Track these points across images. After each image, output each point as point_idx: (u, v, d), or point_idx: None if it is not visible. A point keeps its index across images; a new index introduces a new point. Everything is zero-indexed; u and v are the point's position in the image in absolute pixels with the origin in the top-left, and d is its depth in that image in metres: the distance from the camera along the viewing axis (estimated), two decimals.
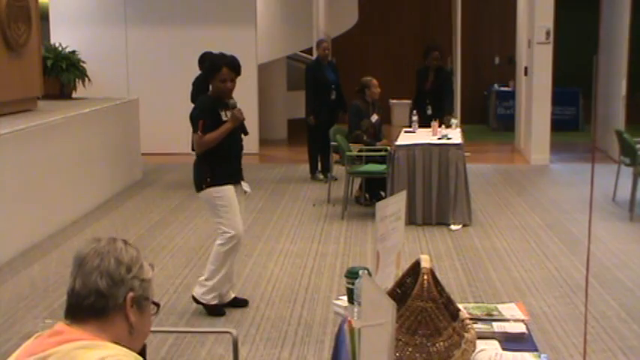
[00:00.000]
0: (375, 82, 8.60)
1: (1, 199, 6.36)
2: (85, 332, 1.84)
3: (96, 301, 1.86)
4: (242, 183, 5.20)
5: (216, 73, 4.99)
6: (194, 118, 5.03)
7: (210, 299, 5.15)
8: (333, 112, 9.76)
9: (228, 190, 5.05)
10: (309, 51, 13.37)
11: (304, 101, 9.95)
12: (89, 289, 1.86)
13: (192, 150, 5.30)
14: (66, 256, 6.53)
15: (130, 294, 1.89)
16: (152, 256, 6.49)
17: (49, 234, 7.11)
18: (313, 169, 9.99)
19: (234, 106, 5.05)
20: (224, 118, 5.02)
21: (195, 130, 4.99)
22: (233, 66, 5.02)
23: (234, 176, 5.14)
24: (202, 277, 5.19)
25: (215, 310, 5.16)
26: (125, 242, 1.98)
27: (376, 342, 2.12)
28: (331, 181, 8.81)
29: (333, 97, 9.71)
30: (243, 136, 5.26)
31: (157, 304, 2.02)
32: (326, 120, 9.56)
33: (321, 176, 9.86)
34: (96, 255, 1.89)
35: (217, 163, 5.04)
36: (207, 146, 4.98)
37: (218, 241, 5.11)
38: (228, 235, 5.05)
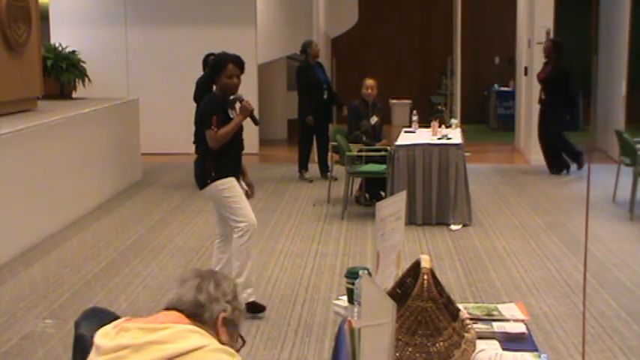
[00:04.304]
0: (369, 82, 8.59)
1: (1, 199, 6.35)
2: (191, 324, 2.06)
3: (193, 308, 2.09)
4: (241, 181, 5.23)
5: (222, 69, 5.03)
6: (206, 114, 5.02)
7: (247, 297, 5.10)
8: (327, 112, 9.92)
9: (233, 181, 5.08)
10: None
11: (297, 102, 9.99)
12: (189, 299, 2.10)
13: (196, 150, 5.29)
14: (66, 256, 6.54)
15: (223, 314, 2.11)
16: (152, 256, 6.50)
17: (49, 234, 7.11)
18: (301, 168, 9.99)
19: (241, 99, 5.12)
20: (231, 116, 5.06)
21: (207, 127, 4.99)
22: (238, 62, 5.07)
23: (236, 172, 5.18)
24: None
25: (255, 307, 5.13)
26: (224, 275, 2.25)
27: (376, 342, 2.12)
28: (331, 180, 8.82)
29: (325, 96, 9.79)
30: (255, 125, 5.40)
31: (244, 340, 2.23)
32: (321, 120, 9.73)
33: (306, 175, 9.89)
34: (197, 277, 2.15)
35: (223, 158, 5.06)
36: (222, 141, 4.99)
37: (235, 235, 5.08)
38: (243, 224, 5.03)
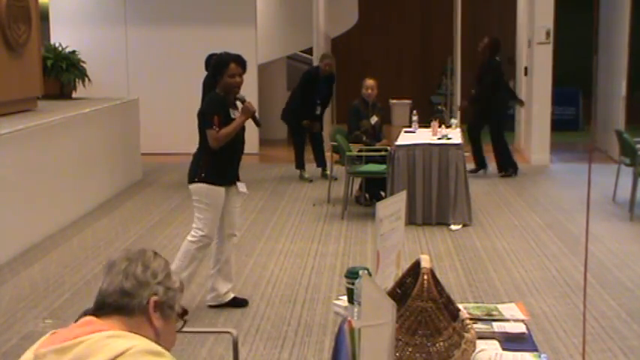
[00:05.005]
0: (369, 82, 8.59)
1: (1, 199, 6.36)
2: (114, 325, 1.90)
3: (120, 299, 1.93)
4: (238, 183, 5.21)
5: (224, 69, 5.03)
6: (207, 114, 5.03)
7: (224, 295, 5.21)
8: (317, 120, 9.96)
9: (219, 191, 5.07)
10: (309, 51, 13.38)
11: (287, 100, 10.12)
12: (114, 289, 1.95)
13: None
14: (66, 256, 6.54)
15: (154, 297, 1.95)
16: None
17: (49, 234, 7.11)
18: (297, 165, 10.00)
19: (243, 100, 5.11)
20: (232, 116, 5.06)
21: (208, 126, 5.00)
22: (240, 61, 5.07)
23: (229, 177, 5.16)
24: None
25: (237, 302, 5.26)
26: (155, 252, 2.06)
27: (376, 342, 2.12)
28: (331, 180, 8.82)
29: (317, 112, 9.86)
30: (257, 127, 5.44)
31: (184, 319, 2.09)
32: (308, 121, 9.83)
33: (305, 175, 9.89)
34: (125, 260, 2.00)
35: (218, 160, 5.06)
36: (224, 141, 4.99)
37: (189, 237, 5.15)
38: (201, 233, 5.09)
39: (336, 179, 9.04)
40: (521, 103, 10.90)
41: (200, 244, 5.11)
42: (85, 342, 1.81)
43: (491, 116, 10.03)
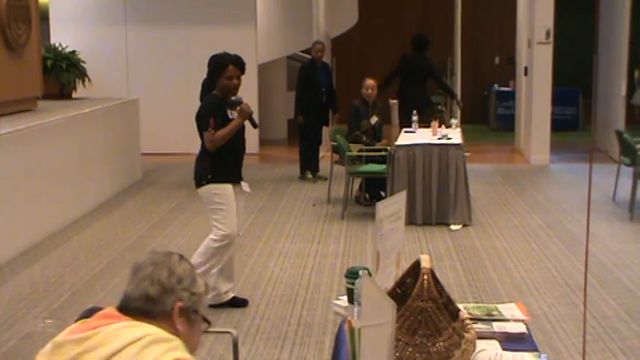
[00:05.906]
0: (369, 82, 8.59)
1: (1, 199, 6.36)
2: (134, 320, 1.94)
3: (144, 305, 1.96)
4: (241, 183, 5.23)
5: (222, 70, 5.03)
6: (203, 116, 5.03)
7: (224, 295, 5.20)
8: (323, 114, 9.87)
9: (228, 188, 5.08)
10: (309, 51, 13.39)
11: (294, 100, 10.07)
12: (139, 294, 1.97)
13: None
14: (66, 256, 6.54)
15: (179, 303, 1.97)
16: None
17: (49, 234, 7.11)
18: (303, 169, 10.00)
19: (240, 101, 5.10)
20: (230, 117, 5.06)
21: (205, 129, 5.00)
22: (239, 64, 5.07)
23: (234, 175, 5.17)
24: None
25: (236, 302, 5.24)
26: (181, 256, 2.07)
27: (376, 342, 2.12)
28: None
29: (324, 100, 9.78)
30: (254, 128, 5.41)
31: (208, 322, 2.12)
32: (315, 121, 9.77)
33: (309, 175, 9.91)
34: (150, 264, 2.00)
35: (220, 160, 5.06)
36: (220, 143, 5.00)
37: (211, 236, 5.13)
38: (222, 233, 5.07)
39: (326, 179, 9.04)
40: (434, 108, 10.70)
41: (222, 242, 5.08)
42: (102, 332, 1.86)
43: (405, 112, 9.75)
